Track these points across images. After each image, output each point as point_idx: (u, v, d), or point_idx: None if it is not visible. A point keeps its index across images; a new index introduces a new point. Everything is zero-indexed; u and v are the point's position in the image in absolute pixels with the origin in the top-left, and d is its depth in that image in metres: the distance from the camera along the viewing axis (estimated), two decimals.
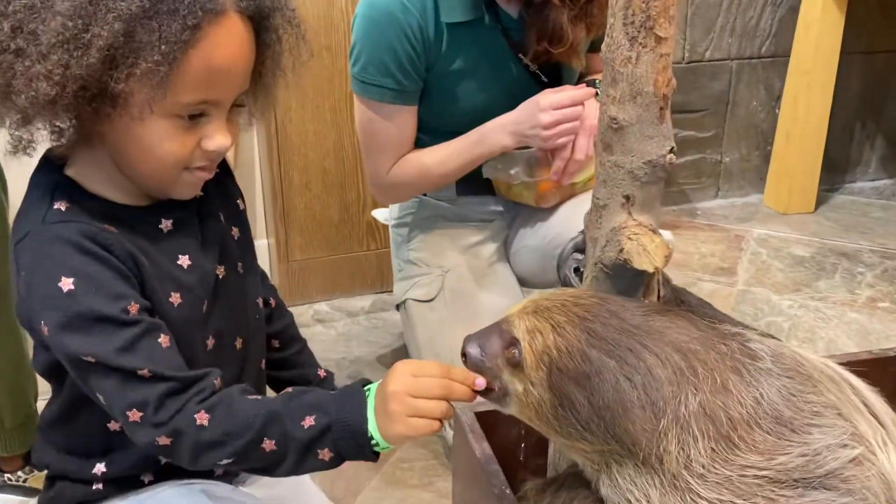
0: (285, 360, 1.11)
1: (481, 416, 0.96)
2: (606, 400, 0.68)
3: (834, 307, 2.20)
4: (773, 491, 0.64)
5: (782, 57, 2.84)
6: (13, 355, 1.41)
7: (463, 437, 0.95)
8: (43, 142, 0.83)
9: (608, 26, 0.74)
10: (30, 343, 0.95)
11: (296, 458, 0.83)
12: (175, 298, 0.87)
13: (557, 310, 0.73)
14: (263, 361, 1.04)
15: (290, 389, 0.89)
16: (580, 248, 0.92)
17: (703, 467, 0.65)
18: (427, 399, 0.80)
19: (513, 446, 0.99)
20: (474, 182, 1.60)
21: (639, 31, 0.72)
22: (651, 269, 0.75)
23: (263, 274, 1.08)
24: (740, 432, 0.66)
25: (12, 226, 0.86)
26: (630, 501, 0.69)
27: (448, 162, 1.52)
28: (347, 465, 0.86)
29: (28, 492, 1.47)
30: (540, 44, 1.43)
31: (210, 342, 0.93)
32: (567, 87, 1.46)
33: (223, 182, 1.00)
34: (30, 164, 0.87)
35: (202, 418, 0.81)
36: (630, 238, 0.76)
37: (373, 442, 0.83)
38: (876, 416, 0.72)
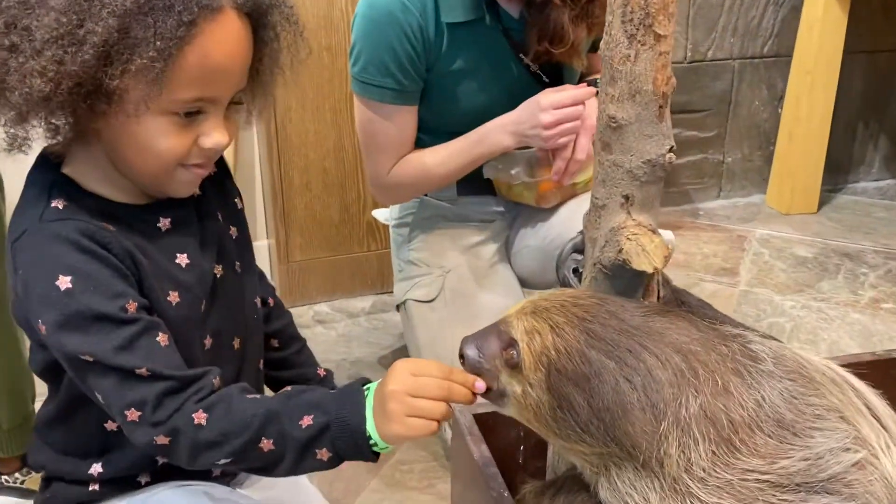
0: (285, 360, 1.10)
1: (480, 419, 0.95)
2: (606, 402, 0.67)
3: (837, 308, 2.19)
4: (775, 495, 0.64)
5: (785, 56, 2.83)
6: (10, 355, 1.41)
7: (461, 440, 0.95)
8: (38, 139, 0.83)
9: (607, 24, 0.73)
10: (27, 343, 0.95)
11: (294, 457, 0.83)
12: (173, 297, 0.87)
13: (556, 310, 0.72)
14: (261, 361, 1.04)
15: (288, 388, 0.89)
16: (579, 249, 0.91)
17: (704, 471, 0.64)
18: (426, 399, 0.80)
19: (512, 448, 0.98)
20: (475, 182, 1.60)
21: (637, 29, 0.71)
22: (650, 270, 0.75)
23: (261, 273, 1.08)
24: (741, 435, 0.65)
25: (9, 224, 0.85)
26: None
27: (448, 162, 1.51)
28: (346, 466, 0.85)
29: (25, 493, 1.46)
30: (541, 44, 1.43)
31: (208, 342, 0.93)
32: (568, 86, 1.46)
33: (221, 181, 1.00)
34: (26, 161, 0.86)
35: (200, 418, 0.81)
36: (629, 238, 0.76)
37: (371, 442, 0.82)
38: (879, 419, 0.71)
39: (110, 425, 0.90)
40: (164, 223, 0.89)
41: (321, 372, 1.12)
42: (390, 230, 1.78)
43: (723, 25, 2.80)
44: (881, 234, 2.66)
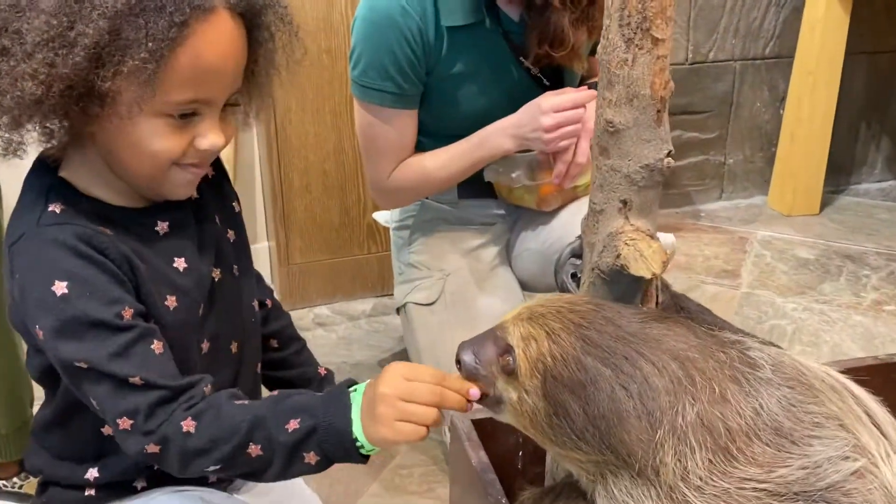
0: (284, 360, 1.10)
1: (478, 424, 0.95)
2: (602, 409, 0.67)
3: (839, 310, 2.18)
4: None
5: (786, 58, 2.82)
6: (8, 359, 1.40)
7: (460, 445, 0.94)
8: (33, 143, 0.82)
9: (604, 27, 0.73)
10: (24, 347, 0.94)
11: (282, 462, 0.82)
12: (171, 302, 0.87)
13: (552, 316, 0.72)
14: (259, 364, 1.04)
15: (276, 393, 0.88)
16: (577, 254, 0.91)
17: (701, 479, 0.64)
18: (417, 404, 0.79)
19: (510, 454, 0.98)
20: (476, 185, 1.59)
21: (635, 33, 0.70)
22: (648, 276, 0.74)
23: (259, 275, 1.07)
24: (739, 444, 0.64)
25: (6, 228, 0.85)
26: None
27: (449, 166, 1.51)
28: (339, 467, 0.84)
29: (23, 498, 1.46)
30: (541, 47, 1.42)
31: (205, 346, 0.92)
32: (569, 89, 1.45)
33: (219, 184, 1.00)
34: (23, 166, 0.86)
35: (188, 425, 0.81)
36: (627, 244, 0.75)
37: (358, 444, 0.81)
38: (878, 427, 0.70)
39: (107, 430, 0.89)
40: (161, 226, 0.88)
41: (322, 371, 1.11)
42: (391, 233, 1.78)
43: (724, 27, 2.79)
44: (883, 236, 2.65)
